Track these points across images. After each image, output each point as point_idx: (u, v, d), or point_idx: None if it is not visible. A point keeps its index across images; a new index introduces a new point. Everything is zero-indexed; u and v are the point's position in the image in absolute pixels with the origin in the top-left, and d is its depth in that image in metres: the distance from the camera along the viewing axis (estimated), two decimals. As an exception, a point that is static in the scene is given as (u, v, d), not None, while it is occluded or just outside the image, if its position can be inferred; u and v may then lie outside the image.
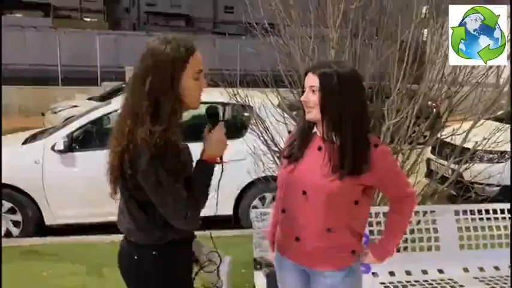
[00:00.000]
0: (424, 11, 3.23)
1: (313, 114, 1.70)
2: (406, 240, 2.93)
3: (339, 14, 3.14)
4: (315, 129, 1.78)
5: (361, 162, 1.65)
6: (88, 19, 39.94)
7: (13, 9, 32.23)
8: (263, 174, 3.92)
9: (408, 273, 2.90)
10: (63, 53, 15.91)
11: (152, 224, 1.56)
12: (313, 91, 1.68)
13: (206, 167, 1.58)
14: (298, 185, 1.74)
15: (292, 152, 1.79)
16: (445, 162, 3.72)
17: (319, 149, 1.73)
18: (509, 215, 3.03)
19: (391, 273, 2.88)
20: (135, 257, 1.60)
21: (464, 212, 3.03)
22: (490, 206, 3.07)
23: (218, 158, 1.61)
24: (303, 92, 1.74)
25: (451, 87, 3.21)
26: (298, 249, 1.78)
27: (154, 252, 1.58)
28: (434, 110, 3.50)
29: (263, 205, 4.82)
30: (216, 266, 1.77)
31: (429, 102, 3.43)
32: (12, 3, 30.59)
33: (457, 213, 3.01)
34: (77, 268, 3.77)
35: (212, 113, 1.65)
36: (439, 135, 3.52)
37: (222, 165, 1.64)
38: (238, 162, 4.32)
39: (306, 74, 1.74)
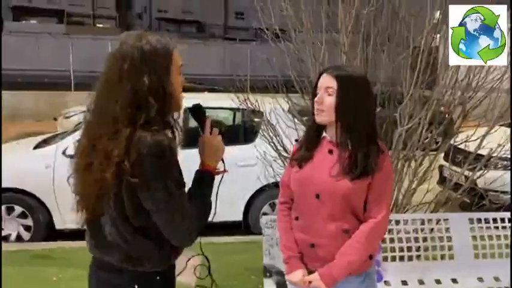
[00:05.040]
0: (437, 16, 3.19)
1: (326, 116, 1.68)
2: (418, 249, 2.88)
3: (350, 19, 3.12)
4: (324, 134, 1.76)
5: (371, 164, 1.65)
6: (101, 25, 40.45)
7: (28, 16, 32.79)
8: (273, 180, 3.89)
9: (421, 282, 2.84)
10: (75, 59, 16.10)
11: (154, 250, 1.42)
12: (330, 94, 1.67)
13: (207, 178, 1.49)
14: (310, 189, 1.72)
15: (301, 156, 1.78)
16: (459, 169, 3.66)
17: (331, 152, 1.71)
18: (510, 224, 2.96)
19: (404, 282, 2.83)
20: (135, 286, 1.44)
21: (479, 220, 2.96)
22: (506, 215, 3.00)
23: (218, 168, 1.51)
24: (314, 93, 1.73)
25: (465, 93, 3.17)
26: (314, 256, 1.76)
27: (158, 277, 1.45)
28: (448, 115, 3.45)
29: (273, 211, 4.78)
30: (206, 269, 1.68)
31: (442, 108, 3.38)
32: (28, 10, 31.16)
33: (471, 221, 2.95)
34: (86, 273, 3.75)
35: (199, 111, 1.53)
36: (452, 142, 3.46)
37: (223, 175, 1.54)
38: (249, 168, 4.30)
39: (320, 75, 1.73)
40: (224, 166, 1.55)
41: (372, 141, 1.68)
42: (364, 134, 1.66)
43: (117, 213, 1.39)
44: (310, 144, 1.76)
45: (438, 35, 3.24)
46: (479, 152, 3.27)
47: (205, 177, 1.49)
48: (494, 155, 3.28)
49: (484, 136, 3.21)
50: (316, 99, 1.70)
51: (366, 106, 1.68)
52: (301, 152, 1.78)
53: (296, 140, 1.86)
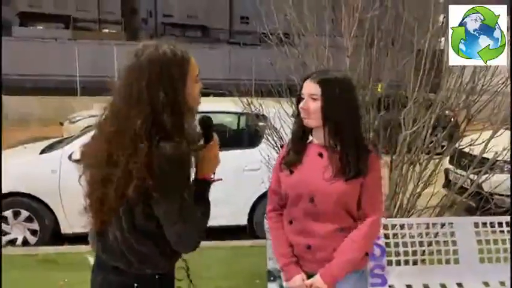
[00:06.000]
0: (440, 19, 3.18)
1: (313, 121, 1.72)
2: (423, 253, 2.87)
3: (354, 23, 3.12)
4: (310, 138, 1.79)
5: (363, 165, 1.69)
6: (106, 30, 40.64)
7: (35, 21, 33.09)
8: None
9: (426, 286, 2.82)
10: (81, 64, 16.22)
11: (155, 255, 1.45)
12: (314, 99, 1.70)
13: (206, 186, 1.51)
14: (304, 193, 1.73)
15: (290, 160, 1.79)
16: (464, 173, 3.64)
17: (320, 155, 1.74)
18: (508, 228, 2.94)
19: (409, 287, 2.81)
20: (135, 285, 1.47)
21: (484, 224, 2.95)
22: (511, 218, 2.98)
23: (212, 176, 1.53)
24: (299, 99, 1.76)
25: (469, 96, 3.16)
26: (311, 258, 1.77)
27: (157, 277, 1.48)
28: (452, 119, 3.44)
29: (278, 215, 4.78)
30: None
31: (447, 112, 3.37)
32: (35, 16, 31.47)
33: (476, 225, 2.94)
34: (92, 277, 3.77)
35: (207, 125, 1.53)
36: (457, 145, 3.45)
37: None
38: (253, 172, 4.30)
39: (303, 81, 1.76)
40: (214, 175, 1.56)
41: (361, 142, 1.73)
42: (352, 135, 1.70)
43: (126, 220, 1.40)
44: (298, 148, 1.79)
45: (443, 38, 3.24)
46: (485, 155, 3.25)
47: (205, 187, 1.51)
48: (500, 158, 3.26)
49: (489, 140, 3.20)
50: (301, 105, 1.73)
51: (350, 108, 1.72)
52: (290, 157, 1.79)
53: (281, 146, 1.88)
